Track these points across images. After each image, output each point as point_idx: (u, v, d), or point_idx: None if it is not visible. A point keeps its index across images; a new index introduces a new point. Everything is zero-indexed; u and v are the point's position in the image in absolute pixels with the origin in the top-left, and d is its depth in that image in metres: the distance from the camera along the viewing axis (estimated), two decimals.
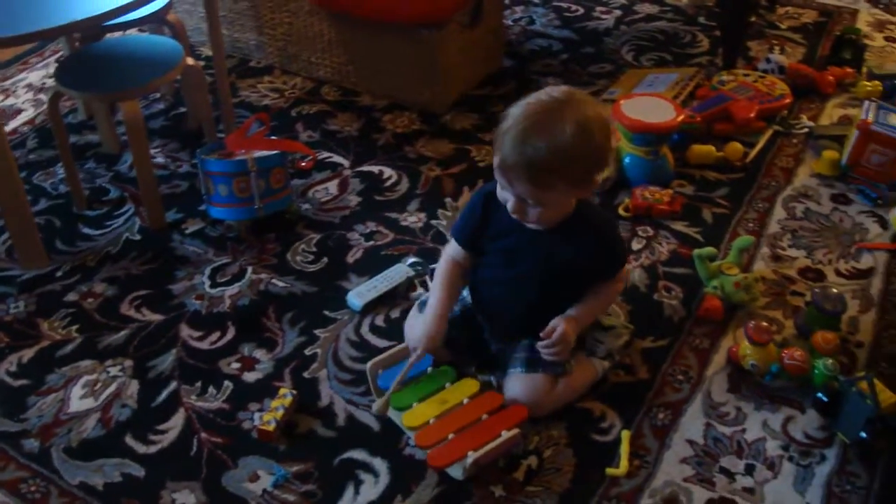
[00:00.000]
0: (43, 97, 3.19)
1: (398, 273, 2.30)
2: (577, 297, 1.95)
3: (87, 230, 2.54)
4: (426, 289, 2.26)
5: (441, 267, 2.01)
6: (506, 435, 1.78)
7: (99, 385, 2.05)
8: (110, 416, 1.97)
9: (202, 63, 3.07)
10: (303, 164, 2.74)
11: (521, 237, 1.87)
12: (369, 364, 1.96)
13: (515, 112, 1.70)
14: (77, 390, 2.04)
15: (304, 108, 3.11)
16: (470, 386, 1.94)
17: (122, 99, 2.36)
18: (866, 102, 2.74)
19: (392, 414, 1.91)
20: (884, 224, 2.51)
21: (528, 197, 1.72)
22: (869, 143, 2.61)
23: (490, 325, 2.03)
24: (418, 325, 2.02)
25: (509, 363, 1.95)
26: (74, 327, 2.21)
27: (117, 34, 2.88)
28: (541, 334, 1.87)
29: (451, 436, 1.80)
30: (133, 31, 3.05)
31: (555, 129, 1.64)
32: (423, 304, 2.07)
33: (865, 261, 2.39)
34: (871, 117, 2.63)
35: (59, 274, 2.38)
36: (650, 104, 2.65)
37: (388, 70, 3.08)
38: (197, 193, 2.58)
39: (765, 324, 2.01)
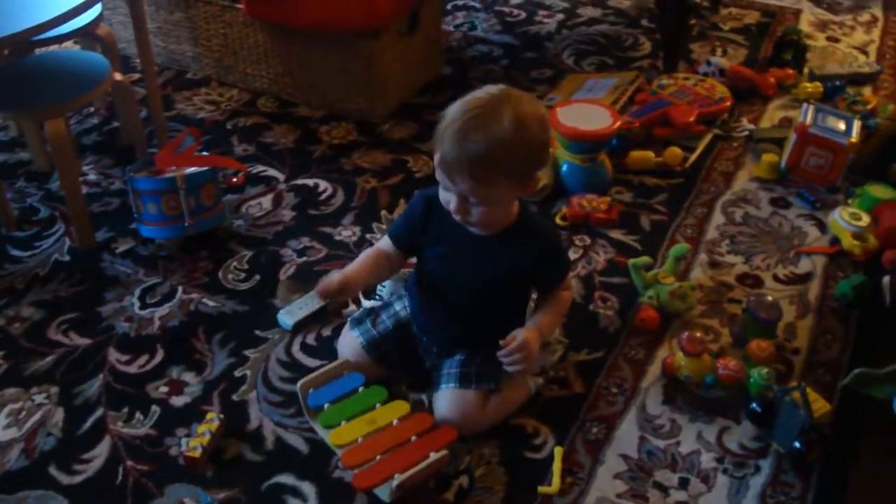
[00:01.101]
0: None
1: None
2: (515, 306, 1.94)
3: (15, 252, 2.48)
4: (358, 305, 2.23)
5: (369, 250, 2.02)
6: (434, 457, 1.76)
7: (23, 413, 2.00)
8: (34, 445, 1.92)
9: (136, 76, 3.03)
10: (234, 179, 2.70)
11: (461, 243, 1.86)
12: (299, 383, 1.93)
13: (454, 109, 1.70)
14: (1, 420, 1.98)
15: (239, 120, 3.07)
16: (400, 407, 1.91)
17: (46, 118, 2.31)
18: (805, 105, 2.75)
19: (319, 431, 1.89)
20: (822, 227, 2.52)
21: (470, 194, 1.70)
22: (807, 145, 2.61)
23: (427, 336, 2.00)
24: (351, 343, 2.02)
25: (441, 379, 1.93)
26: (0, 353, 2.16)
27: (51, 48, 2.82)
28: (501, 342, 1.83)
29: (378, 457, 1.78)
30: (68, 44, 3.00)
31: (493, 124, 1.64)
32: (354, 322, 2.05)
33: (804, 265, 2.38)
34: (808, 120, 2.64)
35: None
36: (587, 111, 2.64)
37: (324, 80, 3.05)
38: (129, 211, 2.53)
39: (698, 335, 2.00)
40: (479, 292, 1.90)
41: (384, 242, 2.00)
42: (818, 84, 3.14)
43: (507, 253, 1.83)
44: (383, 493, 1.75)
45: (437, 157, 1.71)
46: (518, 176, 1.71)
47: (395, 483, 1.71)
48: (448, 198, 1.75)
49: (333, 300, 1.99)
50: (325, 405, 1.91)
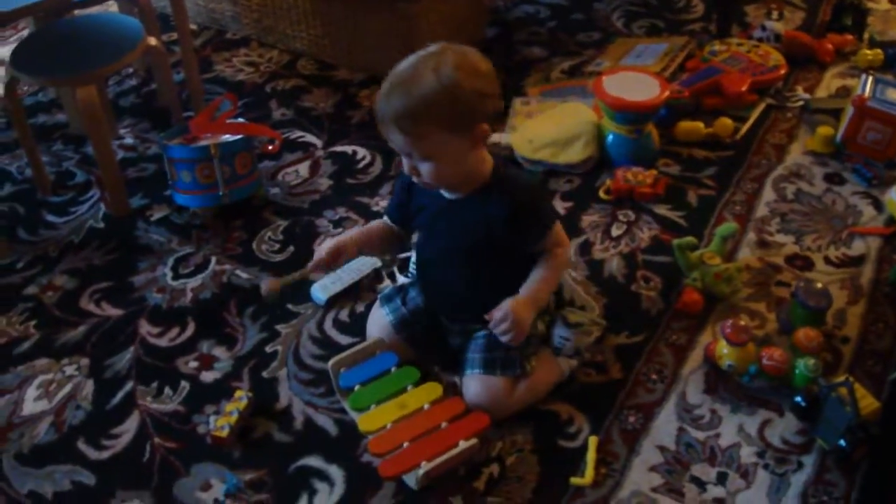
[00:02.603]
0: None
1: (364, 264, 2.23)
2: (516, 270, 1.87)
3: (50, 217, 2.48)
4: (393, 280, 2.19)
5: (371, 223, 2.05)
6: (463, 445, 1.72)
7: (54, 386, 2.00)
8: (63, 419, 1.92)
9: (175, 36, 2.99)
10: (269, 147, 2.66)
11: (437, 207, 1.84)
12: (331, 362, 1.91)
13: (391, 71, 1.71)
14: (31, 392, 1.99)
15: (278, 83, 3.04)
16: (433, 390, 1.88)
17: (77, 84, 2.29)
18: (864, 76, 2.63)
19: (350, 412, 1.88)
20: (879, 206, 2.42)
21: (408, 149, 1.70)
22: (865, 119, 2.51)
23: (437, 306, 1.97)
24: (380, 321, 1.99)
25: (466, 364, 1.89)
26: (32, 323, 2.16)
27: (89, 9, 2.78)
28: (486, 316, 1.80)
29: (406, 444, 1.74)
30: (107, 4, 2.98)
31: (414, 79, 1.65)
32: (385, 299, 2.02)
33: (857, 247, 2.30)
34: (867, 92, 2.53)
35: (19, 265, 2.33)
36: (634, 79, 2.56)
37: (365, 42, 2.99)
38: (164, 177, 2.50)
39: (742, 322, 1.93)
40: (464, 257, 1.86)
41: (384, 217, 2.01)
42: (879, 51, 3.01)
43: (479, 213, 1.79)
44: (410, 480, 1.73)
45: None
46: (455, 128, 1.67)
47: (421, 472, 1.68)
48: (405, 162, 1.76)
49: (329, 269, 1.96)
50: (356, 386, 1.88)
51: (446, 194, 1.81)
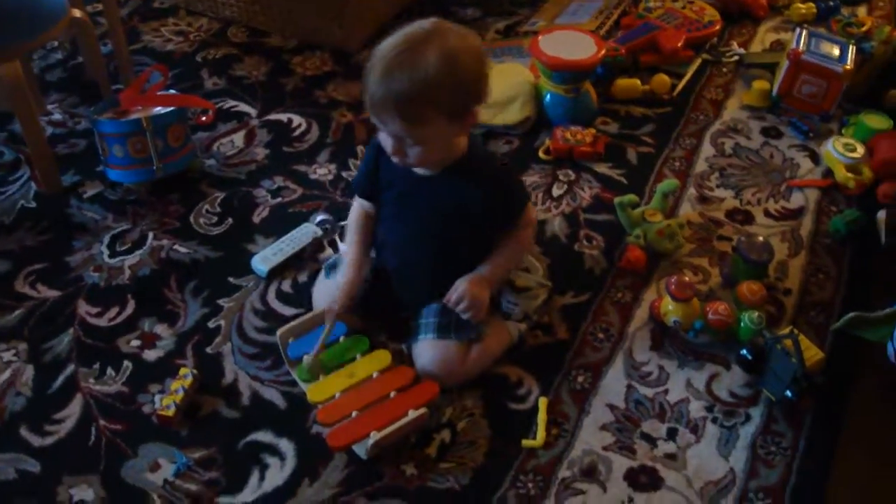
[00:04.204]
0: None
1: (305, 234, 2.21)
2: (482, 249, 1.89)
3: None
4: (335, 249, 2.18)
5: (352, 216, 1.97)
6: (412, 415, 1.72)
7: None
8: (4, 406, 1.88)
9: (100, 7, 2.92)
10: (202, 118, 2.62)
11: (409, 184, 1.82)
12: (279, 332, 1.89)
13: (382, 46, 1.64)
14: None
15: (209, 52, 2.98)
16: (382, 358, 1.88)
17: None
18: (798, 29, 2.66)
19: (300, 382, 1.87)
20: (816, 159, 2.46)
21: (403, 134, 1.66)
22: (800, 73, 2.54)
23: (398, 285, 1.96)
24: (326, 291, 1.96)
25: (419, 329, 1.89)
26: None
27: None
28: (443, 300, 1.82)
29: (354, 413, 1.75)
30: None
31: (418, 60, 1.59)
32: (329, 268, 2.00)
33: (796, 199, 2.34)
34: (802, 46, 2.56)
35: None
36: (570, 38, 2.56)
37: (296, 7, 2.95)
38: (96, 153, 2.44)
39: (686, 278, 1.96)
40: (433, 234, 1.86)
41: (357, 201, 1.96)
42: (811, 4, 3.06)
43: (453, 192, 1.78)
44: (360, 450, 1.73)
45: (366, 100, 1.66)
46: (453, 113, 1.66)
47: (370, 441, 1.68)
48: (384, 140, 1.71)
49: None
50: (305, 356, 1.87)
51: (419, 171, 1.78)
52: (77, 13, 2.41)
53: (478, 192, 1.77)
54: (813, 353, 1.82)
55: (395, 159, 1.72)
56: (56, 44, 3.00)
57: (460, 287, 1.80)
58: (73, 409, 1.86)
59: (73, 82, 2.85)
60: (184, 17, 3.18)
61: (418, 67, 1.58)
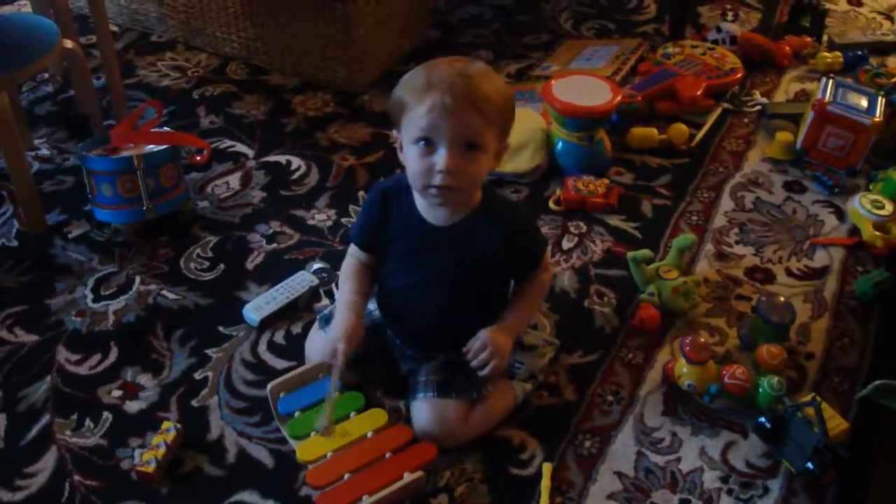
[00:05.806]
0: None
1: (300, 282, 2.20)
2: (499, 296, 1.89)
3: None
4: (332, 300, 2.16)
5: (346, 265, 1.94)
6: (408, 478, 1.69)
7: None
8: None
9: (94, 39, 2.93)
10: (197, 158, 2.62)
11: (425, 235, 1.80)
12: (270, 386, 1.87)
13: (416, 73, 1.68)
14: None
15: (207, 88, 2.99)
16: (377, 417, 1.85)
17: None
18: (824, 79, 2.66)
19: (289, 440, 1.84)
20: (841, 216, 2.45)
21: (470, 137, 1.63)
22: (826, 124, 2.54)
23: (403, 339, 1.94)
24: (320, 344, 1.94)
25: (418, 387, 1.86)
26: None
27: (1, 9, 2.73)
28: (463, 350, 1.80)
29: (347, 475, 1.72)
30: (12, 8, 2.91)
31: (492, 76, 1.70)
32: (324, 319, 1.98)
33: (820, 258, 2.32)
34: (828, 96, 2.56)
35: None
36: (584, 84, 2.57)
37: (299, 45, 2.97)
38: (83, 191, 2.44)
39: (702, 339, 1.93)
40: (449, 285, 1.83)
41: (353, 251, 1.93)
42: (838, 54, 3.06)
43: (473, 241, 1.77)
44: None
45: (411, 120, 1.65)
46: (503, 133, 1.72)
47: None
48: (430, 162, 1.65)
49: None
50: (296, 412, 1.84)
51: (432, 220, 1.77)
52: (69, 44, 2.42)
53: (499, 237, 1.77)
54: (836, 422, 1.79)
55: (443, 181, 1.65)
56: (47, 75, 3.01)
57: (483, 337, 1.79)
58: (47, 463, 1.84)
59: (62, 116, 2.87)
60: (182, 51, 3.20)
61: (495, 80, 1.69)
